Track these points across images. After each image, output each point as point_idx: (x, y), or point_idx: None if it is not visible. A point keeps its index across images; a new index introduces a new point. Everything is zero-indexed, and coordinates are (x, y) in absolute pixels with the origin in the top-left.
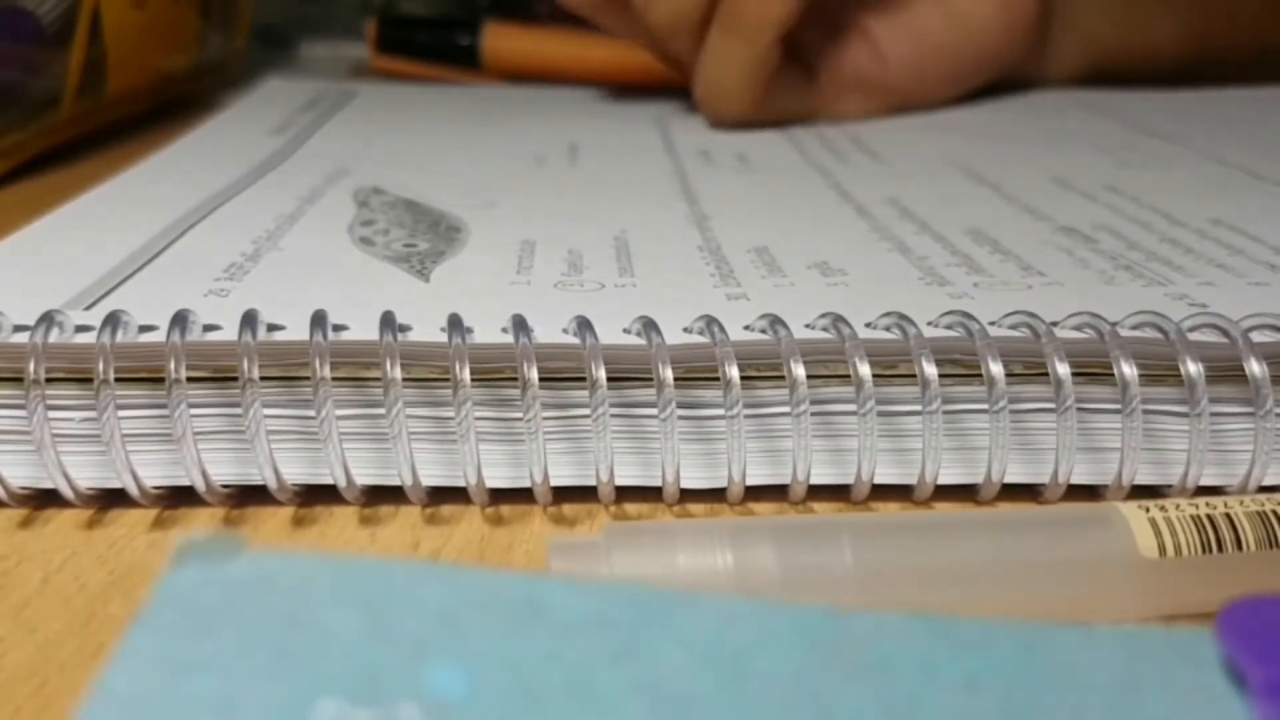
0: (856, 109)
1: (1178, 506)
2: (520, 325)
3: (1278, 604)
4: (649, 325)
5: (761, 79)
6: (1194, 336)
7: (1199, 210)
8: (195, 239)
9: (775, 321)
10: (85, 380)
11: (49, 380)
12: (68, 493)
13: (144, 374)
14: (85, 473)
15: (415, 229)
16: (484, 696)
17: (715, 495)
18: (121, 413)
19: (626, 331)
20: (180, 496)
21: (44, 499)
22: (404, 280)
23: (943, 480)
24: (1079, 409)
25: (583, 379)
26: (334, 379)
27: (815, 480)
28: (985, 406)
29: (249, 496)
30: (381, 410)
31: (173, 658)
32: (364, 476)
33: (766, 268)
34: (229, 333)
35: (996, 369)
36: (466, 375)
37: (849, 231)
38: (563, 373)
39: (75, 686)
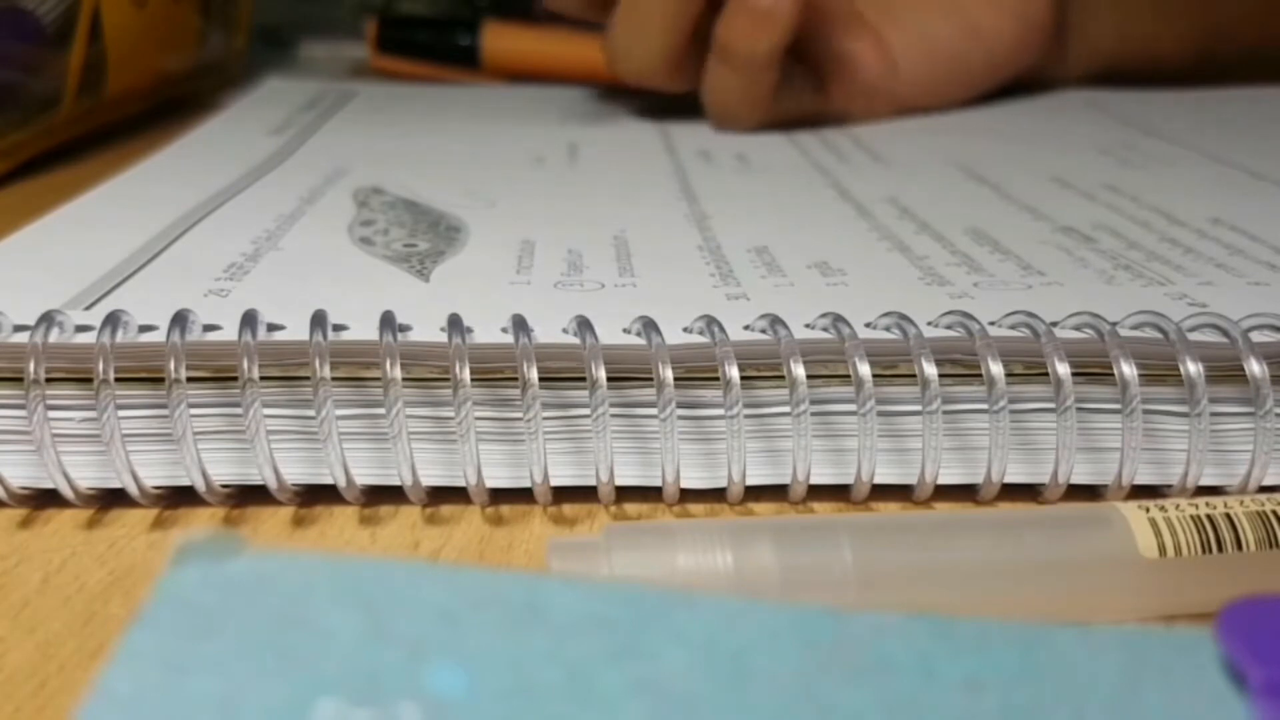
0: (866, 113)
1: (1178, 506)
2: (520, 325)
3: (1278, 604)
4: (649, 325)
5: (763, 98)
6: (1194, 336)
7: (1199, 210)
8: (195, 239)
9: (775, 321)
10: (85, 380)
11: (49, 380)
12: (68, 493)
13: (144, 374)
14: (85, 473)
15: (415, 229)
16: (484, 696)
17: (715, 495)
18: (121, 413)
19: (626, 331)
20: (180, 496)
21: (44, 499)
22: (404, 280)
23: (943, 480)
24: (1079, 409)
25: (583, 379)
26: (334, 379)
27: (815, 480)
28: (985, 406)
29: (249, 496)
30: (381, 410)
31: (173, 658)
32: (364, 476)
33: (766, 267)
34: (229, 333)
35: (996, 369)
36: (466, 375)
37: (849, 231)
38: (563, 373)
39: (75, 686)
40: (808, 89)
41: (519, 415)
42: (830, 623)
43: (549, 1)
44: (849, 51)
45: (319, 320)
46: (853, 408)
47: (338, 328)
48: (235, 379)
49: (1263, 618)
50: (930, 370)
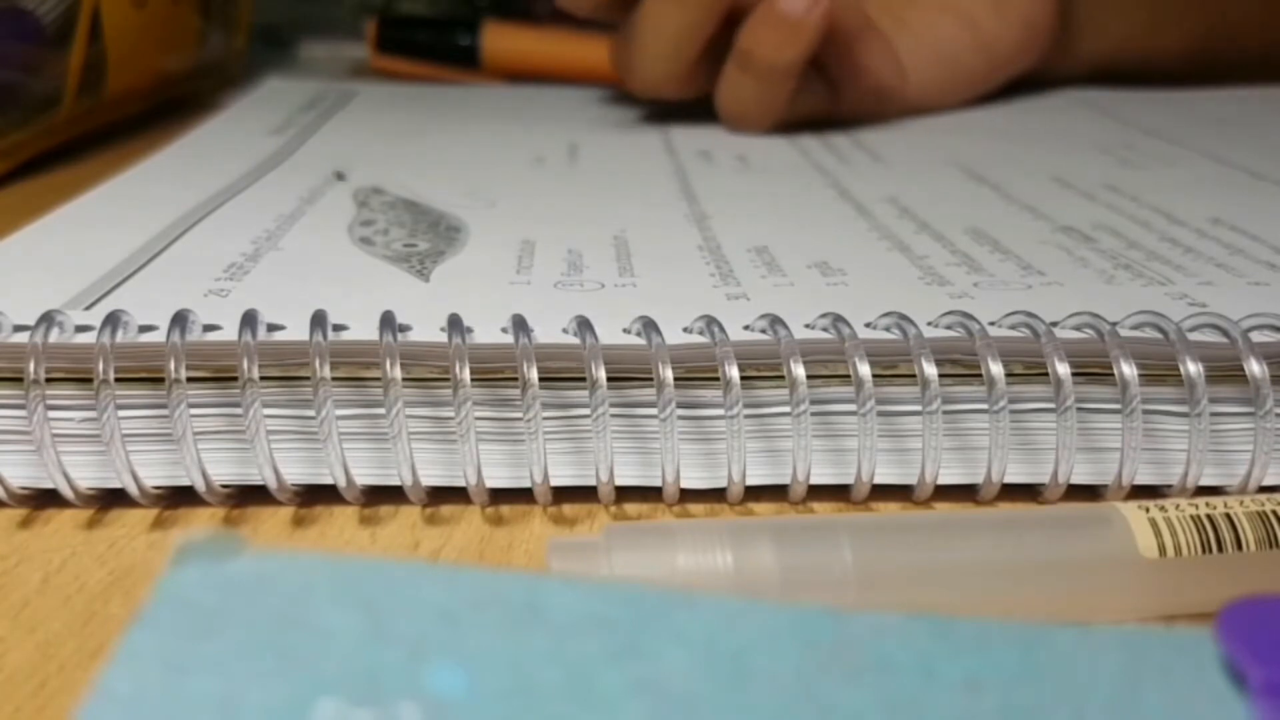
0: (875, 116)
1: (1178, 506)
2: (520, 325)
3: (1278, 604)
4: (649, 325)
5: (779, 105)
6: (1194, 336)
7: (1199, 210)
8: (195, 239)
9: (775, 321)
10: (85, 380)
11: (49, 380)
12: (68, 493)
13: (144, 374)
14: (85, 473)
15: (415, 229)
16: (484, 696)
17: (715, 495)
18: (121, 413)
19: (626, 331)
20: (180, 496)
21: (44, 499)
22: (404, 280)
23: (943, 480)
24: (1079, 409)
25: (583, 379)
26: (334, 379)
27: (815, 480)
28: (985, 406)
29: (249, 496)
30: (381, 410)
31: (173, 658)
32: (364, 476)
33: (766, 267)
34: (229, 333)
35: (996, 369)
36: (466, 375)
37: (849, 231)
38: (563, 373)
39: (75, 686)
40: (819, 92)
41: (519, 415)
42: (830, 623)
43: (561, 1)
44: (862, 58)
45: (319, 320)
46: (853, 408)
47: (338, 328)
48: (235, 379)
49: (1263, 618)
50: (930, 370)
